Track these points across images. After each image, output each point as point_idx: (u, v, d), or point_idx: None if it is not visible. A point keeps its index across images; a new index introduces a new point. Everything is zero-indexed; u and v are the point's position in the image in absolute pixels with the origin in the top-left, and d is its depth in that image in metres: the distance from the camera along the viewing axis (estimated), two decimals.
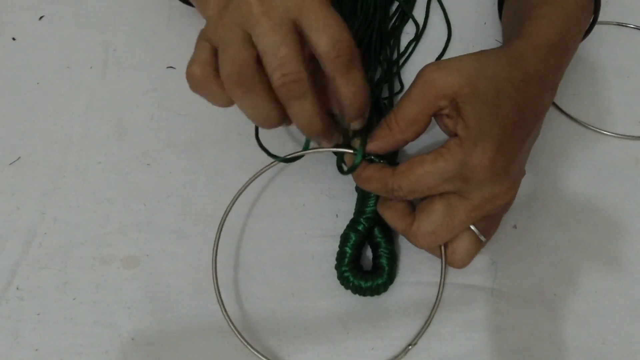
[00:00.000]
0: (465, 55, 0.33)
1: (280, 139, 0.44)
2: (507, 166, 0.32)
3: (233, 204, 0.37)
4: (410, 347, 0.35)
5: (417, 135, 0.34)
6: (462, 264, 0.35)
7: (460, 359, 0.36)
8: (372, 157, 0.35)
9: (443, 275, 0.36)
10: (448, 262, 0.36)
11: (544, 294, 0.38)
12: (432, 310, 0.36)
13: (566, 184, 0.42)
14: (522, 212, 0.40)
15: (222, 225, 0.37)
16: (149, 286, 0.38)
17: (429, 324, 0.36)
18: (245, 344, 0.34)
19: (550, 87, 0.36)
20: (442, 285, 0.36)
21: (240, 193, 0.38)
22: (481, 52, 0.33)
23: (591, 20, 0.42)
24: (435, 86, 0.32)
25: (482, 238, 0.35)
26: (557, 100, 0.45)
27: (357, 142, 0.35)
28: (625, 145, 0.44)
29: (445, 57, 0.48)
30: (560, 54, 0.37)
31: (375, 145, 0.34)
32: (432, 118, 0.34)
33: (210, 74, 0.32)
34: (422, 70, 0.33)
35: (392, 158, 0.36)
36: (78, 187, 0.42)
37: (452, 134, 0.32)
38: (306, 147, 0.38)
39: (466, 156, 0.31)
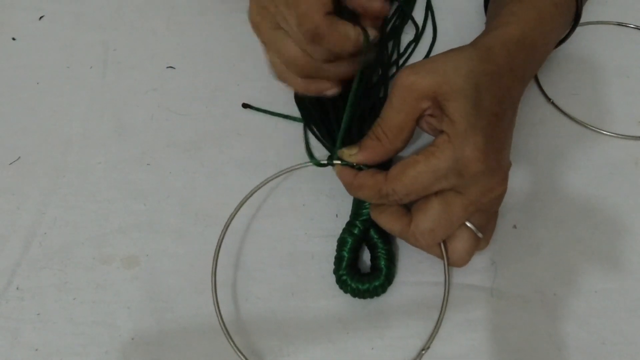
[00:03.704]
0: (436, 55, 0.34)
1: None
2: (497, 156, 0.32)
3: (237, 211, 0.37)
4: (423, 351, 0.35)
5: (406, 143, 0.34)
6: (463, 262, 0.35)
7: (460, 359, 0.36)
8: (362, 166, 0.35)
9: (447, 275, 0.35)
10: (448, 262, 0.35)
11: (544, 294, 0.38)
12: (441, 313, 0.35)
13: (566, 184, 0.42)
14: (522, 212, 0.40)
15: (224, 233, 0.37)
16: (149, 286, 0.38)
17: (439, 326, 0.35)
18: (233, 346, 0.34)
19: (520, 80, 0.36)
20: (447, 286, 0.36)
21: (244, 202, 0.37)
22: (451, 50, 0.34)
23: (573, 18, 0.42)
24: (414, 90, 0.32)
25: (479, 235, 0.35)
26: (557, 100, 0.45)
27: (344, 152, 0.35)
28: (625, 145, 0.43)
29: None
30: (528, 49, 0.37)
31: (365, 156, 0.35)
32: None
33: None
34: (398, 77, 0.33)
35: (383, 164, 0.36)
36: (78, 187, 0.42)
37: (438, 133, 0.33)
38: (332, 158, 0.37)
39: (458, 151, 0.31)
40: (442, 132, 0.32)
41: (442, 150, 0.31)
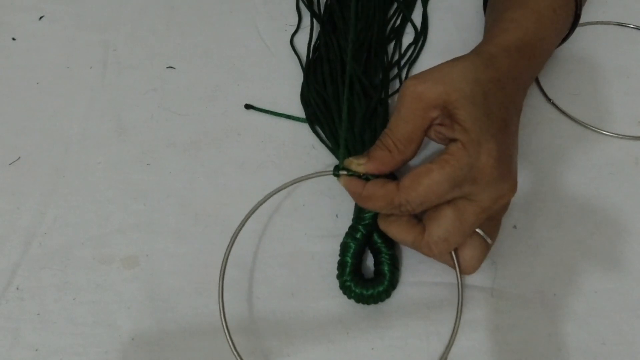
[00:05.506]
0: (441, 64, 0.33)
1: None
2: (509, 163, 0.32)
3: (248, 218, 0.37)
4: None
5: (415, 152, 0.34)
6: (473, 269, 0.35)
7: (460, 359, 0.36)
8: (369, 176, 0.35)
9: (460, 284, 0.35)
10: (460, 270, 0.35)
11: (544, 294, 0.38)
12: (455, 324, 0.35)
13: (566, 184, 0.42)
14: (522, 212, 0.40)
15: (234, 240, 0.36)
16: (149, 286, 0.38)
17: (454, 339, 0.35)
18: (232, 348, 0.34)
19: (523, 86, 0.36)
20: (460, 295, 0.35)
21: (256, 208, 0.37)
22: (455, 59, 0.34)
23: (572, 20, 0.42)
24: (423, 100, 0.32)
25: (488, 241, 0.35)
26: (557, 100, 0.45)
27: (352, 162, 0.35)
28: (625, 145, 0.44)
29: (439, 59, 0.48)
30: (529, 56, 0.37)
31: (375, 166, 0.34)
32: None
33: None
34: (405, 87, 0.33)
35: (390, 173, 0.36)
36: (78, 187, 0.42)
37: (449, 141, 0.32)
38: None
39: (472, 159, 0.31)
40: (453, 140, 0.32)
41: (457, 158, 0.31)
